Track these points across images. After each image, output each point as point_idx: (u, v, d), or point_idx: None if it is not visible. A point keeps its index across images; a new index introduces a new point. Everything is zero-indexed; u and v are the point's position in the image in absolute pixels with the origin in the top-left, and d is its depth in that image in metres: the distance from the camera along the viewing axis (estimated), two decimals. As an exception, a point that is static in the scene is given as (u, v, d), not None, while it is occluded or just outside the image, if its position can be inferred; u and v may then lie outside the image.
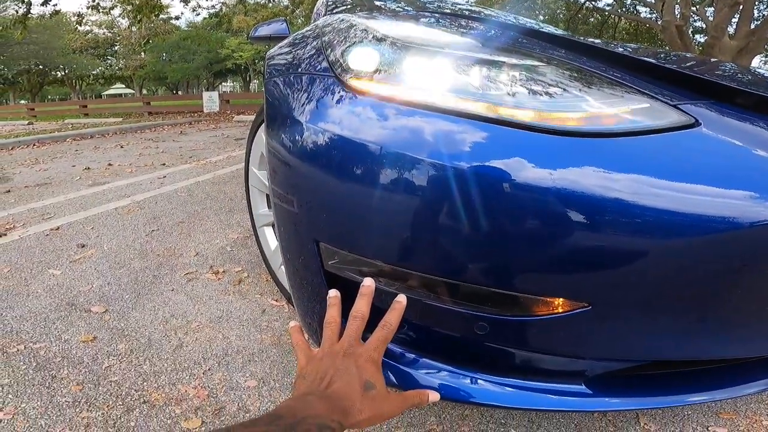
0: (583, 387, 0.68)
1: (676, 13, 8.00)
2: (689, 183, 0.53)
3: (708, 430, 0.91)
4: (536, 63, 0.68)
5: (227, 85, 38.25)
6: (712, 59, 1.39)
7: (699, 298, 0.58)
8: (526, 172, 0.55)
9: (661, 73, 0.71)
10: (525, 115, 0.59)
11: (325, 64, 0.77)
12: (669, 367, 0.74)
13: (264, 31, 2.05)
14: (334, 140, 0.66)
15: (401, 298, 0.63)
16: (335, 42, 0.80)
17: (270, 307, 1.41)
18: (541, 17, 12.87)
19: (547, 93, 0.63)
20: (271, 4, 15.72)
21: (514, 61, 0.68)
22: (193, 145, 5.42)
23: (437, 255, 0.62)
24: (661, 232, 0.53)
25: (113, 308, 1.42)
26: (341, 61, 0.74)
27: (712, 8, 7.84)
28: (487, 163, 0.56)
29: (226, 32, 22.97)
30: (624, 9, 11.72)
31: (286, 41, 1.05)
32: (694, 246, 0.53)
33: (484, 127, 0.59)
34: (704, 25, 9.91)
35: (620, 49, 0.89)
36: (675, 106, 0.61)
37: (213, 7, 15.69)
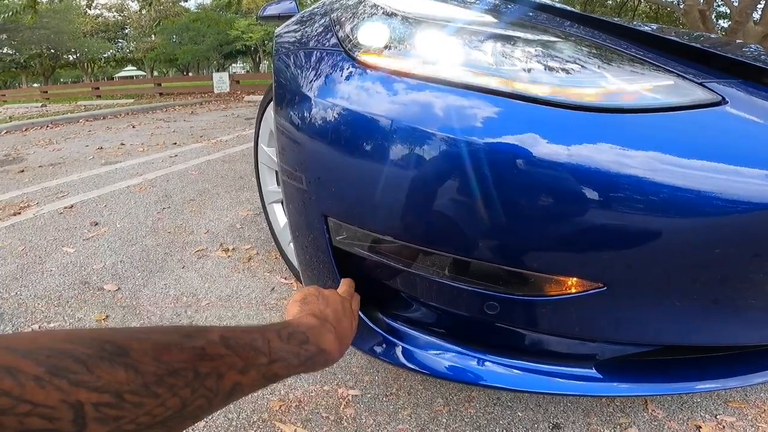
0: (594, 371, 0.68)
1: (702, -4, 7.72)
2: (713, 161, 0.52)
3: (716, 418, 0.91)
4: (553, 39, 0.66)
5: (237, 66, 38.07)
6: (737, 41, 1.33)
7: (717, 281, 0.57)
8: (542, 147, 0.53)
9: (685, 50, 0.68)
10: (541, 90, 0.57)
11: (334, 40, 0.75)
12: (679, 353, 0.73)
13: (273, 10, 2.03)
14: (345, 115, 0.65)
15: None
16: (344, 18, 0.79)
17: (279, 285, 1.42)
18: (557, -1, 12.52)
19: (564, 69, 0.60)
20: (282, -16, 15.47)
21: (530, 36, 0.66)
22: (203, 125, 5.42)
23: (448, 231, 0.61)
24: (682, 211, 0.51)
25: (125, 286, 1.43)
26: (351, 36, 0.73)
27: (739, -8, 7.56)
28: (501, 138, 0.55)
29: (235, 13, 22.75)
30: (646, -10, 11.38)
31: (294, 18, 1.03)
32: (715, 227, 0.52)
33: (498, 101, 0.57)
34: (728, 10, 9.57)
35: (643, 28, 0.86)
36: (700, 84, 0.58)
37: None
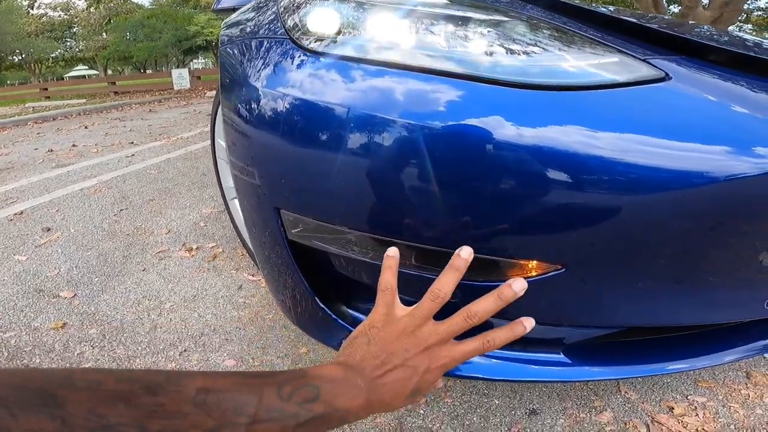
0: (562, 356, 0.68)
1: (653, -18, 7.96)
2: (659, 137, 0.52)
3: (688, 398, 0.92)
4: (504, 18, 0.66)
5: (199, 62, 36.94)
6: (689, 21, 1.37)
7: (673, 258, 0.58)
8: (494, 127, 0.53)
9: (630, 28, 0.69)
10: (492, 70, 0.57)
11: (282, 28, 0.73)
12: (648, 334, 0.74)
13: (228, 2, 1.96)
14: (297, 105, 0.63)
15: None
16: (293, 5, 0.77)
17: (247, 283, 1.39)
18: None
19: (515, 48, 0.61)
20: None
21: (481, 16, 0.66)
22: (163, 123, 5.25)
23: (405, 219, 0.60)
24: (630, 187, 0.52)
25: (82, 292, 1.37)
26: (300, 24, 0.71)
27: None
28: (453, 120, 0.54)
29: (194, 9, 22.05)
30: (602, -25, 11.64)
31: (242, 8, 1.00)
32: (662, 202, 0.53)
33: (450, 83, 0.57)
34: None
35: (590, 7, 0.88)
36: (645, 60, 0.59)
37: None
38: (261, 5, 0.89)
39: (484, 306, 0.50)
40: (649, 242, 0.56)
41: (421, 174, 0.56)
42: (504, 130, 0.53)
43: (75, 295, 1.36)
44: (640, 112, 0.54)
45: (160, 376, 0.34)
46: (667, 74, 0.57)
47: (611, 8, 1.11)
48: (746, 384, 0.96)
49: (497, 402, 0.91)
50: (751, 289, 0.66)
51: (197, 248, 1.64)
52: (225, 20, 1.01)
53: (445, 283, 0.51)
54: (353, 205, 0.62)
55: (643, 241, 0.56)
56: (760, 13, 12.02)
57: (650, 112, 0.54)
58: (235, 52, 0.81)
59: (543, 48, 0.60)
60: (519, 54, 0.60)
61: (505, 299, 0.50)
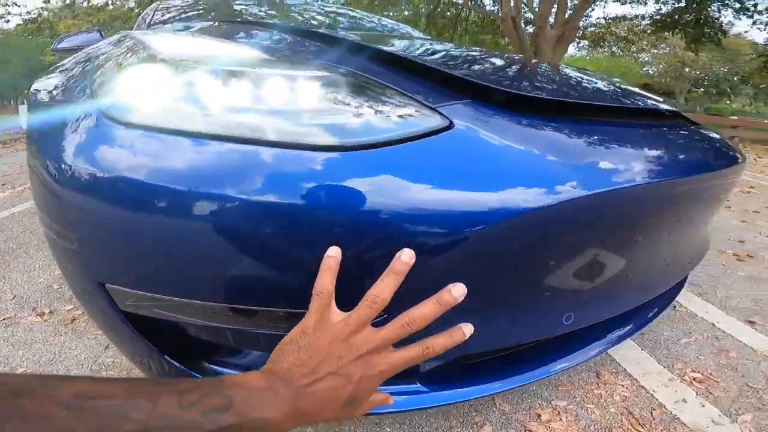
0: (418, 385, 0.71)
1: (512, 5, 8.93)
2: (445, 186, 0.56)
3: (551, 404, 0.99)
4: (313, 73, 0.65)
5: (59, 95, 33.08)
6: (516, 56, 1.47)
7: (482, 289, 0.61)
8: (293, 190, 0.54)
9: (427, 73, 0.73)
10: (293, 132, 0.57)
11: (93, 94, 0.69)
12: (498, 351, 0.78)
13: (71, 42, 1.81)
14: (103, 178, 0.59)
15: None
16: (105, 67, 0.73)
17: (114, 343, 1.29)
18: (406, 12, 13.28)
19: (319, 105, 0.61)
20: (111, 6, 14.28)
21: (287, 72, 0.65)
22: (6, 169, 4.48)
23: (232, 283, 0.60)
24: (433, 234, 0.55)
25: None
26: (108, 91, 0.67)
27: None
28: (246, 187, 0.55)
29: (50, 38, 19.79)
30: (474, 2, 12.72)
31: (59, 64, 0.95)
32: (458, 244, 0.56)
33: (247, 149, 0.57)
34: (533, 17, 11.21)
35: (401, 52, 0.88)
36: (434, 109, 0.63)
37: (29, 12, 13.43)
38: (76, 65, 0.85)
39: (423, 312, 0.47)
40: (453, 276, 0.58)
41: (239, 243, 0.57)
42: (310, 190, 0.55)
43: None
44: (428, 161, 0.58)
45: (37, 380, 0.32)
46: (451, 122, 0.62)
47: (435, 48, 1.12)
48: (597, 383, 1.05)
49: (388, 430, 0.93)
50: (550, 308, 0.73)
51: (51, 312, 1.48)
52: (38, 80, 0.95)
53: (384, 288, 0.48)
54: (172, 274, 0.61)
55: (451, 279, 0.58)
56: (593, 28, 14.05)
57: (436, 160, 0.58)
58: (46, 115, 0.77)
59: (349, 105, 0.62)
60: (321, 113, 0.61)
61: (444, 304, 0.48)
